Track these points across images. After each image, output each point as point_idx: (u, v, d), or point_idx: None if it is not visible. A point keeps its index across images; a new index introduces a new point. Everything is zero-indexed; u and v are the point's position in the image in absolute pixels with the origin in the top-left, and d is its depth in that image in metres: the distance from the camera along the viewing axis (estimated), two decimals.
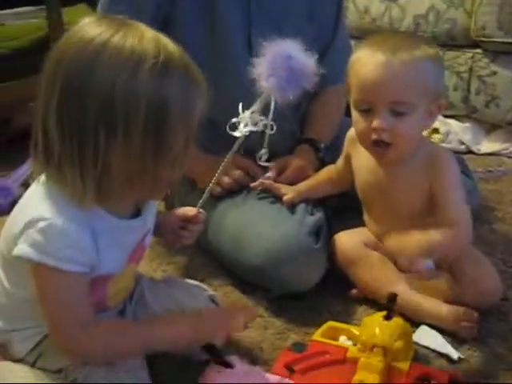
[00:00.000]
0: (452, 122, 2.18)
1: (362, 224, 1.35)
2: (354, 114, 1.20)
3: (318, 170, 1.44)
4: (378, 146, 1.17)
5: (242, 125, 1.10)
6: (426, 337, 1.18)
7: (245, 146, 1.14)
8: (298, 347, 1.14)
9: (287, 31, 1.19)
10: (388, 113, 1.14)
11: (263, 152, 1.19)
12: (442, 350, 1.16)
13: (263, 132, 1.15)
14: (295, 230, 1.27)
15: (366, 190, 1.30)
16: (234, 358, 1.03)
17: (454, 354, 1.15)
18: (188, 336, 0.96)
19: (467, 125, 2.17)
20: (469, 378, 1.10)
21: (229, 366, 1.01)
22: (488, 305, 1.24)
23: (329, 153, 1.48)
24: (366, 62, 1.15)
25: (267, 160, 1.37)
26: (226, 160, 1.14)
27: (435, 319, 1.21)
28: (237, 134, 1.11)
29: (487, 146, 2.11)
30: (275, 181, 1.39)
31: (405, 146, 1.17)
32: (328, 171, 1.40)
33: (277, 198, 1.35)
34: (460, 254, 1.22)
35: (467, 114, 2.18)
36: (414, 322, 1.21)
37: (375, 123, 1.14)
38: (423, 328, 1.21)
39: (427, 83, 1.15)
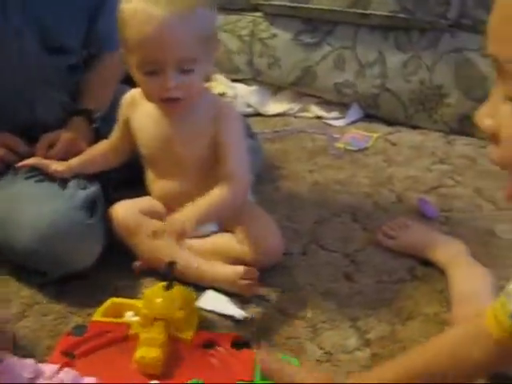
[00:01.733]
0: (238, 85, 2.19)
1: (144, 195, 1.31)
2: (139, 75, 1.14)
3: (94, 141, 1.37)
4: (168, 102, 1.15)
5: None
6: (211, 301, 1.18)
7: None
8: (79, 330, 1.08)
9: None
10: (176, 71, 1.11)
11: None
12: (227, 312, 1.16)
13: None
14: (64, 205, 1.20)
15: (150, 147, 1.25)
16: (1, 353, 0.95)
17: (239, 315, 1.15)
18: None
19: (254, 88, 2.19)
20: (253, 335, 1.11)
21: None
22: (272, 262, 1.26)
23: (106, 123, 1.41)
24: (145, 19, 1.08)
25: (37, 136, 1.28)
26: None
27: (217, 282, 1.20)
28: None
29: (273, 107, 2.15)
30: (45, 157, 1.30)
31: (194, 97, 1.17)
32: (102, 145, 1.34)
33: (46, 176, 1.27)
34: (240, 212, 1.22)
35: (253, 77, 2.20)
36: (200, 288, 1.20)
37: (165, 84, 1.11)
38: (208, 293, 1.20)
39: (208, 32, 1.13)
